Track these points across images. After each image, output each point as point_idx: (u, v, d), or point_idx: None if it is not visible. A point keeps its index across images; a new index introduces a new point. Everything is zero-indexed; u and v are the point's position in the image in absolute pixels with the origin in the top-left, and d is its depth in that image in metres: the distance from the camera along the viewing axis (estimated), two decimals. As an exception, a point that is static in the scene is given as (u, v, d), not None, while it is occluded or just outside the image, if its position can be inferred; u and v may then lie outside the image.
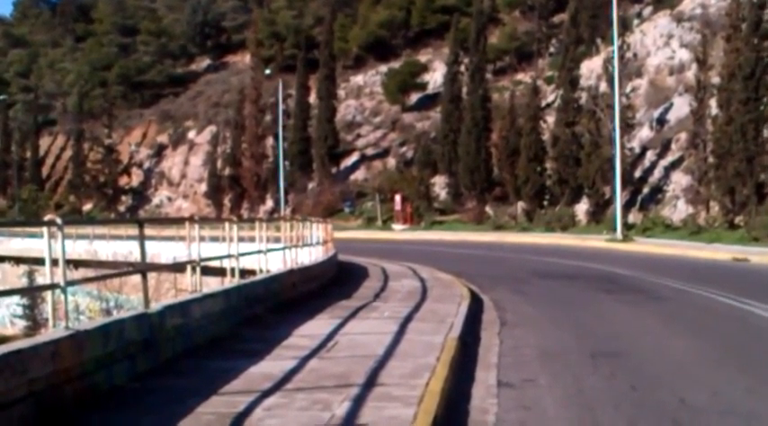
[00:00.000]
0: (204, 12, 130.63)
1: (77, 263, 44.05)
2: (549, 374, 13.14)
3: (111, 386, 10.77)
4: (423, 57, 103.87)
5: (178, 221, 42.60)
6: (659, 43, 71.31)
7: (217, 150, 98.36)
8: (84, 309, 42.54)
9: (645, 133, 63.36)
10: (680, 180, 55.31)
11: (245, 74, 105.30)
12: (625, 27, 64.03)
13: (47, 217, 10.65)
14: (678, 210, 54.19)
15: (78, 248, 50.37)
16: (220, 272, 20.81)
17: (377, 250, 47.61)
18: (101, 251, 51.04)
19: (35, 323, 42.65)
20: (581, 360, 14.21)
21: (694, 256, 39.50)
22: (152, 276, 31.93)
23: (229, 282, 18.40)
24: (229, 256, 19.00)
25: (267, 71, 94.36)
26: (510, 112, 69.83)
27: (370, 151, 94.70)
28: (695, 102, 52.58)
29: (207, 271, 17.29)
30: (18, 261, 53.23)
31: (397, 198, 76.72)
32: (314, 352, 13.69)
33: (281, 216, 64.83)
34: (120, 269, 22.44)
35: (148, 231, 15.40)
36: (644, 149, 62.04)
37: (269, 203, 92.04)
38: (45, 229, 10.39)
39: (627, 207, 56.21)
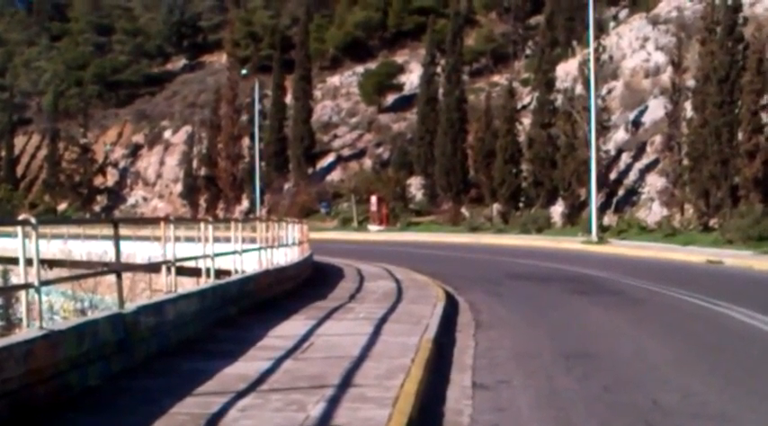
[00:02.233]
0: (180, 11, 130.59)
1: (52, 263, 43.87)
2: (523, 375, 13.18)
3: (85, 386, 10.75)
4: (399, 59, 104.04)
5: (153, 221, 42.52)
6: (635, 46, 71.54)
7: (192, 150, 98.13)
8: (58, 309, 42.33)
9: (620, 135, 63.56)
10: (655, 182, 55.48)
11: (221, 74, 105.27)
12: (601, 29, 64.34)
13: (21, 217, 10.62)
14: (653, 212, 54.36)
15: (53, 248, 50.13)
16: (195, 273, 20.79)
17: (352, 251, 47.61)
18: (75, 250, 50.85)
19: (9, 323, 42.41)
20: (555, 362, 14.28)
21: (669, 258, 39.65)
22: (127, 276, 31.82)
23: (204, 283, 18.38)
24: (205, 256, 19.00)
25: (243, 71, 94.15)
26: (486, 114, 69.91)
27: (346, 152, 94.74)
28: (670, 104, 52.76)
29: (182, 272, 17.29)
30: (-9, 260, 52.94)
31: (373, 199, 76.70)
32: (289, 353, 13.69)
33: (256, 216, 64.79)
34: (95, 269, 22.38)
35: (123, 231, 15.40)
36: (619, 151, 62.23)
37: (245, 203, 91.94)
38: (19, 229, 10.36)
39: (602, 209, 56.39)
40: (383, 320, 17.84)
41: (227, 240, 24.24)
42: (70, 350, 10.46)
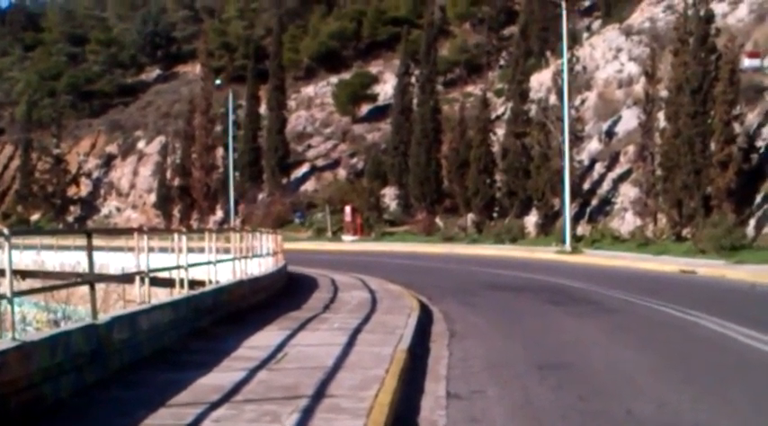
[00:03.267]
0: (154, 22, 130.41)
1: (24, 274, 43.57)
2: (497, 385, 13.18)
3: (58, 398, 10.69)
4: (373, 69, 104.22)
5: (127, 232, 42.33)
6: (608, 56, 71.83)
7: (166, 160, 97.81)
8: (31, 320, 42.09)
9: (594, 145, 63.76)
10: (628, 192, 55.65)
11: (195, 84, 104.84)
12: (574, 40, 64.52)
13: (-6, 228, 10.55)
14: (626, 222, 54.54)
15: (26, 258, 49.91)
16: (169, 283, 20.72)
17: (327, 261, 47.59)
18: (48, 261, 50.60)
19: (-19, 335, 42.09)
20: (529, 372, 14.28)
21: (642, 268, 39.76)
22: (100, 287, 31.70)
23: (178, 293, 18.34)
24: (178, 267, 18.94)
25: (217, 81, 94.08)
26: (460, 124, 70.05)
27: (320, 162, 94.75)
28: (643, 114, 52.91)
29: (156, 282, 17.22)
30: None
31: (348, 209, 76.74)
32: (263, 364, 13.66)
33: (230, 226, 64.66)
34: (68, 279, 22.27)
35: (97, 241, 15.31)
36: (593, 161, 62.43)
37: (219, 214, 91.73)
38: (-8, 239, 10.30)
39: (576, 219, 56.53)
40: (357, 330, 17.84)
41: (202, 250, 24.20)
42: (43, 361, 10.40)
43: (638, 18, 75.21)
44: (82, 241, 15.72)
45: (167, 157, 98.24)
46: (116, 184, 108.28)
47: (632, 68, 67.28)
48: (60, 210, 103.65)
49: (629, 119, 60.15)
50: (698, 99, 46.72)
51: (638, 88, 59.35)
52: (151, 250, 16.96)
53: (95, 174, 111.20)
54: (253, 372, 12.90)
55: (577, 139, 59.10)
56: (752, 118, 48.77)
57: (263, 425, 9.62)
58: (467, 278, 36.66)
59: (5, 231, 10.36)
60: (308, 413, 10.12)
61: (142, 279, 16.03)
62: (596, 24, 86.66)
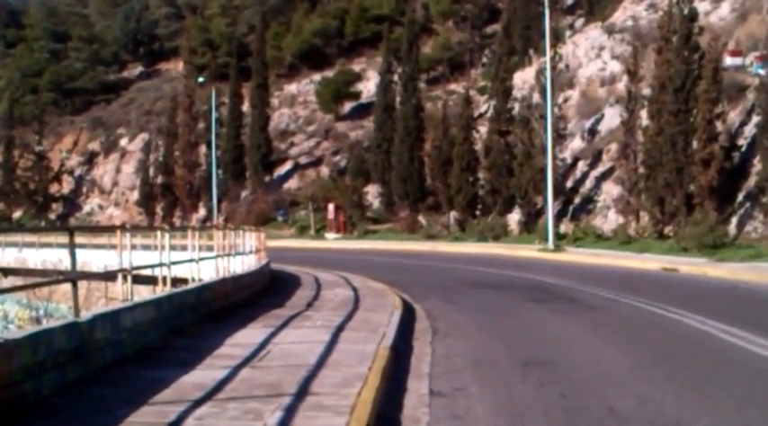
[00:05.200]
0: (137, 19, 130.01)
1: (6, 271, 43.58)
2: (480, 383, 13.19)
3: (40, 395, 10.65)
4: (356, 67, 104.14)
5: (109, 229, 42.29)
6: (591, 55, 71.92)
7: (149, 158, 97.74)
8: (12, 318, 42.04)
9: (576, 143, 63.83)
10: (611, 190, 55.76)
11: (177, 81, 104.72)
12: (557, 38, 64.57)
13: (-25, 225, 10.52)
14: (609, 220, 54.62)
15: (7, 256, 49.83)
16: (152, 281, 20.70)
17: (310, 259, 47.58)
18: (30, 259, 50.51)
19: (-37, 332, 41.89)
20: (512, 369, 14.29)
21: (624, 266, 39.81)
22: (82, 284, 31.61)
23: (161, 291, 18.30)
24: (161, 265, 18.91)
25: (200, 79, 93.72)
26: (443, 122, 70.01)
27: (303, 160, 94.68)
28: (626, 113, 52.95)
29: (138, 280, 17.19)
30: (-55, 269, 52.36)
31: (330, 207, 76.70)
32: (246, 361, 13.63)
33: (213, 224, 64.56)
34: (50, 277, 22.20)
35: (79, 239, 15.29)
36: (575, 159, 62.49)
37: (202, 211, 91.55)
38: (-27, 237, 10.28)
39: (558, 217, 56.55)
40: (340, 328, 17.83)
41: (184, 248, 24.16)
42: (25, 358, 10.36)
43: (620, 16, 75.36)
44: (64, 238, 15.67)
45: (150, 155, 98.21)
46: (98, 182, 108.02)
47: (615, 66, 67.38)
48: (42, 208, 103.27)
49: (612, 118, 60.24)
50: (680, 97, 46.80)
51: (621, 86, 59.48)
52: (134, 247, 16.94)
53: (78, 172, 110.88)
54: (236, 370, 12.87)
55: (560, 137, 59.21)
56: (734, 116, 48.87)
57: (245, 423, 9.60)
58: (449, 275, 36.68)
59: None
60: (290, 411, 10.11)
61: (125, 277, 16.01)
62: (579, 23, 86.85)
